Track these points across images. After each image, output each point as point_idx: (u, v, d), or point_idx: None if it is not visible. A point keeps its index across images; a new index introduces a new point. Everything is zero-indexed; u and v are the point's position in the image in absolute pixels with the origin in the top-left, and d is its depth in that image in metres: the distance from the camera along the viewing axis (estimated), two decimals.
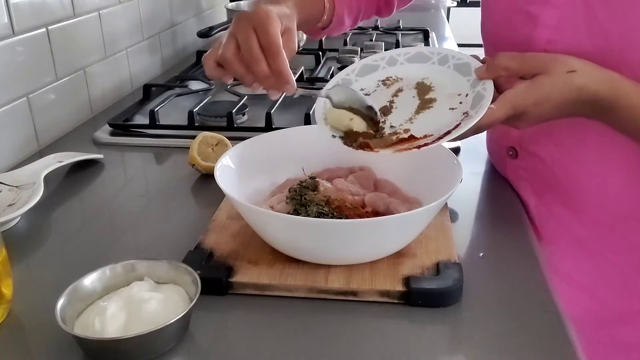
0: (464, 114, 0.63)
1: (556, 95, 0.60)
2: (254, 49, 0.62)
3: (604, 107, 0.62)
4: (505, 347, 0.54)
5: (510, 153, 0.81)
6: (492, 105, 0.60)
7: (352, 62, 1.40)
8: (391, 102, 0.70)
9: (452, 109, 0.65)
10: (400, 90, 0.71)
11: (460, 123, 0.62)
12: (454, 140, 0.61)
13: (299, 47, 1.47)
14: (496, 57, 0.64)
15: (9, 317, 0.58)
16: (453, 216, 0.74)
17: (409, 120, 0.67)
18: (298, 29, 0.71)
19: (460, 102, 0.65)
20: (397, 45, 1.61)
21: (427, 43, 1.66)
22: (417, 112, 0.67)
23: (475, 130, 0.61)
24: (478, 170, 0.89)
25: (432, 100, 0.68)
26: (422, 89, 0.70)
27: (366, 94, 0.71)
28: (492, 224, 0.76)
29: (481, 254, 0.68)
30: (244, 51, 0.62)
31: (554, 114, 0.62)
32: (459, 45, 1.80)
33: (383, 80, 0.73)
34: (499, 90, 0.63)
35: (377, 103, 0.69)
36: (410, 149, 0.61)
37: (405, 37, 1.76)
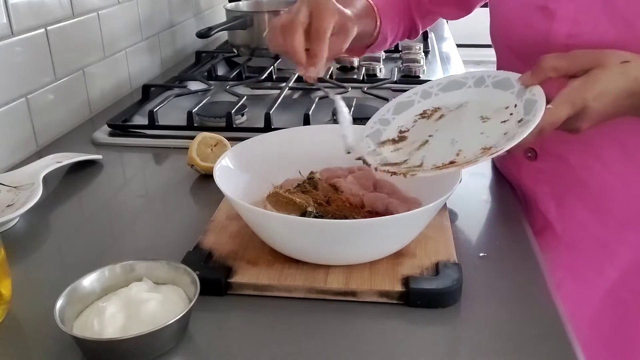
0: (518, 122, 0.60)
1: (613, 88, 0.58)
2: (297, 19, 0.64)
3: None
4: (504, 348, 0.54)
5: (529, 155, 0.79)
6: (549, 106, 0.58)
7: (351, 62, 1.41)
8: (436, 130, 0.67)
9: (504, 121, 0.62)
10: (442, 117, 0.69)
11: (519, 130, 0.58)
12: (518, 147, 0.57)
13: None
14: (542, 60, 0.62)
15: (7, 317, 0.58)
16: (452, 216, 0.74)
17: (459, 142, 0.64)
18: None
19: (511, 114, 0.63)
20: (396, 46, 1.61)
21: (426, 43, 1.66)
22: (467, 131, 0.65)
23: (538, 133, 0.58)
24: (477, 171, 0.89)
25: (479, 118, 0.65)
26: (465, 111, 0.68)
27: (404, 131, 0.70)
28: (492, 224, 0.76)
29: (481, 254, 0.68)
30: (288, 19, 0.65)
31: (611, 109, 0.60)
32: (458, 45, 1.80)
33: (421, 114, 0.71)
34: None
35: (420, 136, 0.67)
36: (476, 161, 0.58)
37: None
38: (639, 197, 0.73)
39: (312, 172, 0.73)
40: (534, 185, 0.81)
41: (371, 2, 0.81)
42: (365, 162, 0.66)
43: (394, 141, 0.69)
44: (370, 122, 0.72)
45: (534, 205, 0.81)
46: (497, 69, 0.86)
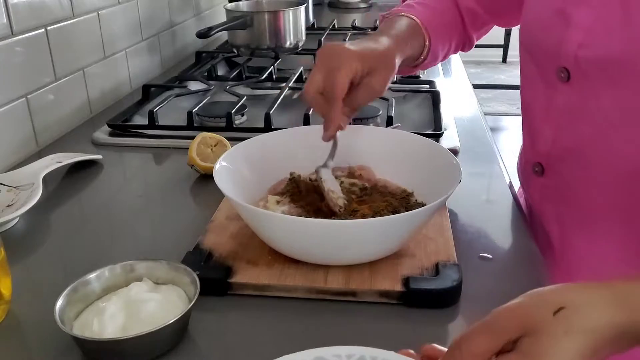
0: None
1: (565, 354, 0.39)
2: (311, 89, 0.67)
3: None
4: None
5: (536, 170, 0.77)
6: None
7: None
8: None
9: None
10: None
11: None
12: None
13: (297, 47, 1.47)
14: (460, 351, 0.40)
15: (8, 317, 0.58)
16: (452, 216, 0.74)
17: None
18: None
19: None
20: None
21: None
22: None
23: None
24: (477, 171, 0.89)
25: None
26: None
27: None
28: (492, 224, 0.76)
29: (481, 254, 0.68)
30: (306, 88, 0.68)
31: None
32: None
33: None
34: None
35: None
36: None
37: None
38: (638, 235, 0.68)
39: (292, 173, 0.74)
40: (540, 202, 0.79)
41: (418, 21, 0.79)
42: None
43: None
44: None
45: (539, 223, 0.79)
46: (520, 71, 0.83)
